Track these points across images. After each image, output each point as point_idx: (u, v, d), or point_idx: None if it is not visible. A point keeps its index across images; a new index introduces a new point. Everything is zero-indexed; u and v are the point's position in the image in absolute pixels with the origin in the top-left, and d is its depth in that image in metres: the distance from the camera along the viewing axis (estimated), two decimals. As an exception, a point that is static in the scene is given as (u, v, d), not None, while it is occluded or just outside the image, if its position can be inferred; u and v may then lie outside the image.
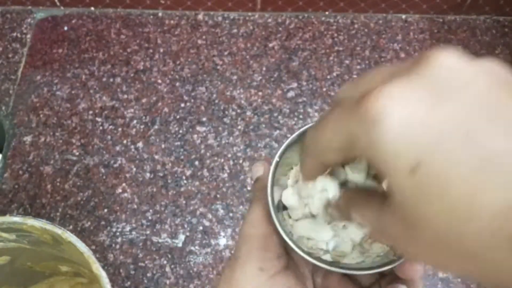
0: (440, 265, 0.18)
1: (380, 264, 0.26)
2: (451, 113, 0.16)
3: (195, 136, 0.61)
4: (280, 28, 0.69)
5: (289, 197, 0.28)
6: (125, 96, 0.64)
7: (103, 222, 0.57)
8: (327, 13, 0.70)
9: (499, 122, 0.16)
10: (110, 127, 0.62)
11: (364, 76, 0.20)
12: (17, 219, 0.41)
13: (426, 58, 0.18)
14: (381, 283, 0.28)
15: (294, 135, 0.28)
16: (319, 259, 0.27)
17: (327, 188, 0.26)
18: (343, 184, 0.26)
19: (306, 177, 0.25)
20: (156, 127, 0.62)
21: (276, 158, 0.28)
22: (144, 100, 0.64)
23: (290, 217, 0.29)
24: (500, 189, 0.15)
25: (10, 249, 0.46)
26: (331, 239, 0.28)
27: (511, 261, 0.16)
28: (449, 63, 0.17)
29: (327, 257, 0.28)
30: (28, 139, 0.62)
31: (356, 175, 0.25)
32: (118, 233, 0.56)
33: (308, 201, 0.27)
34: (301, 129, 0.27)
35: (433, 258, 0.18)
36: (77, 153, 0.61)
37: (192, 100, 0.64)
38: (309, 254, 0.26)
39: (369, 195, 0.22)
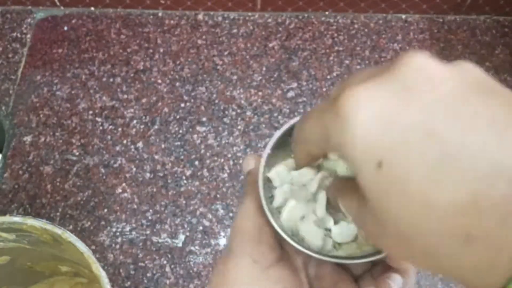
0: (407, 259, 0.19)
1: (371, 253, 0.26)
2: (415, 113, 0.17)
3: (195, 136, 0.61)
4: (280, 28, 0.69)
5: (276, 173, 0.29)
6: (125, 96, 0.64)
7: (103, 222, 0.57)
8: (327, 13, 0.70)
9: (460, 120, 0.16)
10: (110, 127, 0.62)
11: (349, 76, 0.21)
12: (17, 219, 0.41)
13: (400, 60, 0.18)
14: (373, 272, 0.28)
15: (284, 128, 0.27)
16: (311, 250, 0.27)
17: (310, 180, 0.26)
18: (335, 176, 0.26)
19: (296, 165, 0.26)
20: (156, 127, 0.62)
21: (268, 151, 0.27)
22: (144, 100, 0.64)
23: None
24: (454, 185, 0.16)
25: (10, 249, 0.46)
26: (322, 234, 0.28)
27: (464, 258, 0.16)
28: (421, 65, 0.18)
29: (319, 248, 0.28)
30: (28, 139, 0.62)
31: (340, 167, 0.26)
32: (118, 233, 0.56)
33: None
34: (291, 122, 0.27)
35: (400, 253, 0.19)
36: (77, 153, 0.61)
37: (192, 100, 0.64)
38: (301, 245, 0.26)
39: (355, 187, 0.23)
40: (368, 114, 0.17)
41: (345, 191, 0.23)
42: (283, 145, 0.28)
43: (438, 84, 0.17)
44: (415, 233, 0.17)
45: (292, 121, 0.27)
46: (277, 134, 0.27)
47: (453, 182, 0.16)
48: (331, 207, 0.27)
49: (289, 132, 0.27)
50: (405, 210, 0.17)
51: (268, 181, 0.29)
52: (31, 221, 0.41)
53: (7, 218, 0.42)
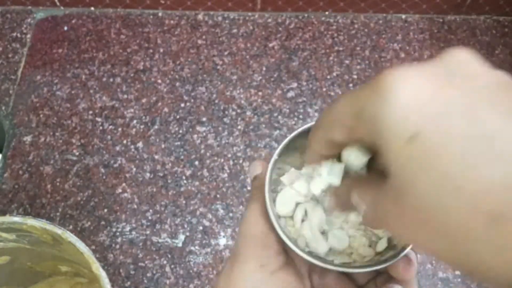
0: (422, 243, 0.19)
1: (375, 262, 0.26)
2: (457, 94, 0.17)
3: (195, 136, 0.61)
4: (280, 28, 0.69)
5: (287, 178, 0.29)
6: (125, 96, 0.64)
7: (103, 222, 0.57)
8: (327, 13, 0.70)
9: (500, 107, 0.17)
10: (110, 127, 0.62)
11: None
12: (17, 219, 0.41)
13: (444, 53, 0.19)
14: (377, 282, 0.28)
15: (293, 134, 0.27)
16: (316, 257, 0.27)
17: (331, 172, 0.25)
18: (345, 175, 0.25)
19: (310, 158, 0.26)
20: (156, 127, 0.62)
21: (275, 156, 0.28)
22: (144, 100, 0.64)
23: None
24: (489, 165, 0.16)
25: (10, 249, 0.46)
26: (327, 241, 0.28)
27: (490, 240, 0.16)
28: (464, 58, 0.19)
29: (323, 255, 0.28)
30: (28, 139, 0.62)
31: (354, 161, 0.25)
32: (118, 233, 0.56)
33: (309, 186, 0.28)
34: (300, 129, 0.27)
35: (417, 235, 0.18)
36: (77, 153, 0.61)
37: (192, 100, 0.64)
38: (306, 252, 0.26)
39: (370, 178, 0.23)
40: (409, 88, 0.18)
41: (362, 183, 0.23)
42: (291, 151, 0.28)
43: (480, 77, 0.18)
44: (442, 211, 0.17)
45: (300, 128, 0.27)
46: (286, 140, 0.28)
47: (488, 162, 0.16)
48: (337, 209, 0.26)
49: (296, 138, 0.27)
50: (434, 186, 0.17)
51: (275, 185, 0.29)
52: (31, 221, 0.41)
53: (7, 218, 0.42)
